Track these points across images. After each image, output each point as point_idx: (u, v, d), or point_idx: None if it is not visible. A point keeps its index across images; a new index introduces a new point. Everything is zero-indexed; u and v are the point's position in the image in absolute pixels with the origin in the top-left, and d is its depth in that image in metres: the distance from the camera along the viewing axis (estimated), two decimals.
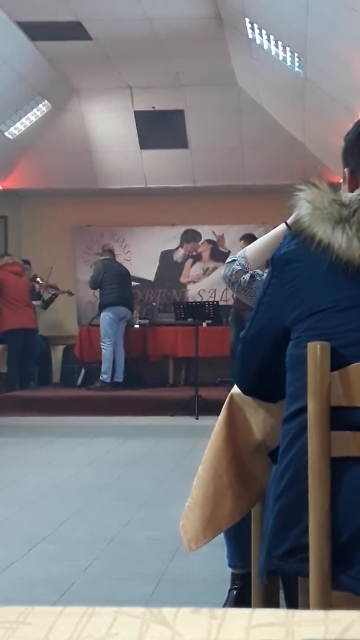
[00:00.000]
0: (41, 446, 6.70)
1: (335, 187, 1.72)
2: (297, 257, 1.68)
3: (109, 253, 10.09)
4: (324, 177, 1.75)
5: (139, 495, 4.69)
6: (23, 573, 3.22)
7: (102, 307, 9.58)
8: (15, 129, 9.91)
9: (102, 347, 9.48)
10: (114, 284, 9.71)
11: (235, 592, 2.50)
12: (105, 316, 9.50)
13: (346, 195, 1.70)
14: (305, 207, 1.68)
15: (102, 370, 9.48)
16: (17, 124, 9.86)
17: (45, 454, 6.38)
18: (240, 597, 2.47)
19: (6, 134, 9.83)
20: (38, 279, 10.56)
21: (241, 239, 9.60)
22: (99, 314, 9.72)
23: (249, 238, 9.42)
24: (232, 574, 2.52)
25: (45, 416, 8.54)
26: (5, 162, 10.50)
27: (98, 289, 9.79)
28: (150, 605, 0.76)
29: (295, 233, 1.69)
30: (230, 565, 2.49)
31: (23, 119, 9.85)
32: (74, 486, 5.02)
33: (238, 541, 2.35)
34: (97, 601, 2.80)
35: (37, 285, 10.54)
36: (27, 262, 10.71)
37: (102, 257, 9.97)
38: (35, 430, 7.72)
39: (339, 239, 1.61)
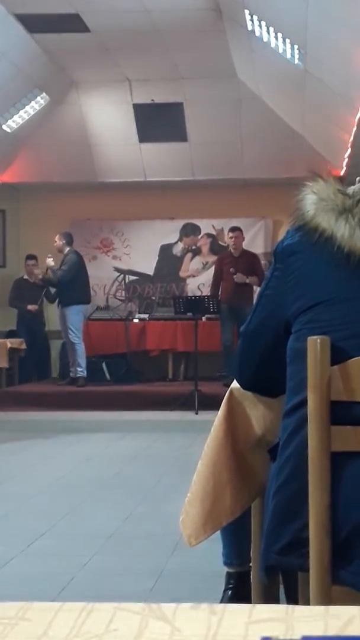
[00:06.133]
0: (40, 441, 6.71)
1: (340, 180, 1.72)
2: (300, 248, 1.68)
3: (68, 237, 9.59)
4: (329, 170, 1.74)
5: (139, 490, 4.69)
6: (22, 569, 3.22)
7: (71, 303, 9.30)
8: (14, 122, 9.89)
9: (75, 342, 9.31)
10: (85, 279, 9.59)
11: (230, 592, 2.47)
12: (77, 312, 9.36)
13: (352, 187, 1.70)
14: (311, 198, 1.67)
15: (83, 366, 9.41)
16: (15, 117, 9.83)
17: (44, 449, 6.39)
18: (235, 597, 2.44)
19: (4, 127, 9.81)
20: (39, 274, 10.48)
21: (230, 230, 9.62)
22: (61, 307, 9.41)
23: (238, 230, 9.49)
24: (228, 573, 2.49)
25: (44, 411, 8.54)
26: (3, 155, 10.48)
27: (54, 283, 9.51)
28: (149, 600, 0.75)
29: (300, 225, 1.68)
30: (225, 564, 2.46)
31: (21, 112, 9.83)
32: (73, 481, 5.02)
33: (235, 538, 2.34)
34: (96, 597, 2.79)
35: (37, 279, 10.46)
36: (33, 257, 10.61)
37: (68, 247, 9.52)
38: (33, 425, 7.71)
39: (341, 229, 1.61)
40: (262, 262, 9.66)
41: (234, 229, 9.54)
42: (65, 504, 4.34)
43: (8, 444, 6.45)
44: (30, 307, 10.43)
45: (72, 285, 9.31)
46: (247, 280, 9.20)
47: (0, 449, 6.29)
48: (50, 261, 9.40)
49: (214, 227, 11.32)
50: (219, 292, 9.33)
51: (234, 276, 9.23)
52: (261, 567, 1.65)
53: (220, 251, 10.84)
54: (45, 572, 3.15)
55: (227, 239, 9.83)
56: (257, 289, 9.65)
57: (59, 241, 9.53)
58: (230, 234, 9.54)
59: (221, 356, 9.28)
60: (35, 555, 3.41)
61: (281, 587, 2.06)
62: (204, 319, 9.41)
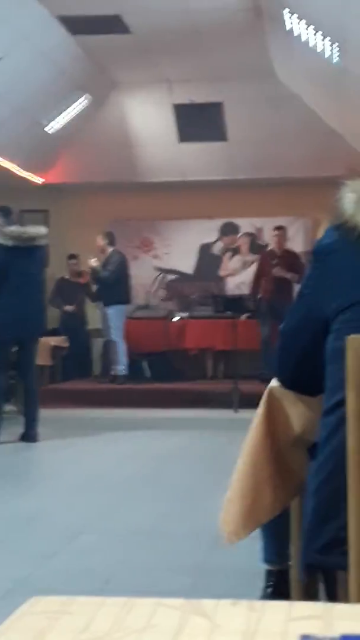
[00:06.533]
0: (81, 438, 6.75)
1: None
2: (339, 247, 1.67)
3: (110, 237, 9.71)
4: None
5: (179, 487, 4.70)
6: (65, 564, 3.25)
7: (113, 302, 9.40)
8: (56, 123, 9.97)
9: (116, 340, 9.39)
10: (127, 280, 9.66)
11: (269, 589, 2.47)
12: (118, 311, 9.44)
13: None
14: (350, 197, 1.67)
15: (124, 364, 9.48)
16: (58, 119, 9.91)
17: (86, 446, 6.43)
18: (275, 595, 2.44)
19: (47, 128, 9.90)
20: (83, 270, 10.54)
21: (275, 229, 9.66)
22: (103, 307, 9.55)
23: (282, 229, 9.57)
24: (267, 570, 2.49)
25: (86, 408, 8.60)
26: (46, 156, 10.57)
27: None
28: (189, 597, 0.76)
29: (339, 223, 1.68)
30: (265, 561, 2.46)
31: (63, 114, 9.91)
32: (114, 478, 5.05)
33: (275, 536, 2.34)
34: (137, 592, 2.81)
35: (83, 280, 10.54)
36: (75, 256, 10.73)
37: (111, 246, 9.63)
38: (75, 422, 7.77)
39: None
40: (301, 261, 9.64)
41: (278, 228, 9.58)
42: (106, 500, 4.37)
43: (50, 440, 6.50)
44: (66, 307, 10.50)
45: (115, 285, 9.40)
46: (288, 276, 9.18)
47: (43, 445, 6.35)
48: (93, 262, 9.48)
49: (253, 226, 11.29)
50: (260, 291, 9.34)
51: (274, 270, 9.22)
52: (301, 565, 1.65)
53: (259, 250, 10.81)
54: (88, 568, 3.18)
55: (271, 237, 9.86)
56: (297, 287, 9.64)
57: (101, 241, 9.64)
58: (275, 232, 9.56)
59: (260, 354, 9.28)
60: (78, 550, 3.44)
61: (321, 585, 2.05)
62: (243, 317, 9.39)
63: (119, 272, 9.44)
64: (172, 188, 11.06)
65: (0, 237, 6.19)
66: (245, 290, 10.60)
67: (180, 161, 10.75)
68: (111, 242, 9.67)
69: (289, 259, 9.38)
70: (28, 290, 6.29)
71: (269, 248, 9.88)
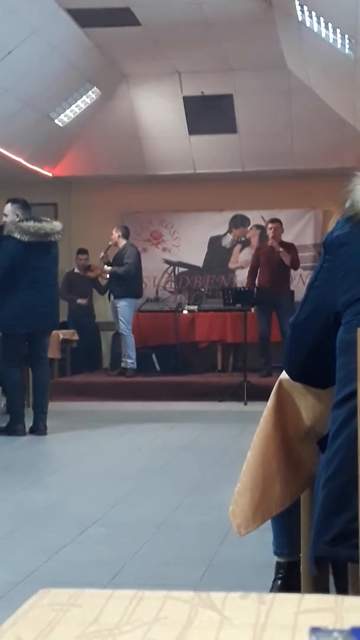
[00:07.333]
0: (91, 431, 6.77)
1: None
2: (350, 239, 1.67)
3: (124, 230, 9.74)
4: None
5: (188, 480, 4.71)
6: (74, 556, 3.26)
7: (124, 296, 9.42)
8: (65, 117, 9.96)
9: (125, 334, 9.42)
10: (140, 274, 9.67)
11: (279, 581, 2.47)
12: (128, 305, 9.45)
13: None
14: None
15: (133, 357, 9.50)
16: (67, 112, 9.91)
17: (95, 438, 6.45)
18: (285, 587, 2.44)
19: (56, 121, 9.89)
20: (92, 267, 10.56)
21: (270, 221, 9.66)
22: (113, 299, 9.59)
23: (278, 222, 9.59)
24: (277, 562, 2.49)
25: (95, 401, 8.62)
26: (55, 149, 10.57)
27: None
28: (199, 589, 0.76)
29: (350, 215, 1.67)
30: (275, 553, 2.46)
31: (73, 107, 9.90)
32: (123, 471, 5.07)
33: (285, 528, 2.33)
34: (146, 585, 2.82)
35: (91, 274, 10.55)
36: (85, 251, 10.72)
37: (124, 240, 9.64)
38: (85, 415, 7.79)
39: None
40: (312, 253, 9.67)
41: (273, 220, 9.64)
42: (116, 493, 4.38)
43: (60, 433, 6.52)
44: (79, 300, 10.53)
45: (129, 278, 9.41)
46: (280, 250, 9.24)
47: (52, 438, 6.37)
48: (106, 267, 9.54)
49: (263, 218, 11.26)
50: (256, 282, 9.45)
51: (269, 242, 9.32)
52: (310, 557, 1.65)
53: None
54: (97, 560, 3.19)
55: (267, 230, 9.87)
56: (293, 279, 9.74)
57: (115, 234, 9.65)
58: (270, 225, 9.61)
59: (259, 347, 9.31)
60: (87, 543, 3.45)
61: (331, 577, 2.05)
62: (252, 310, 9.39)
63: (136, 266, 9.47)
64: (182, 181, 11.05)
65: (17, 232, 6.18)
66: (255, 283, 10.59)
67: (190, 154, 10.74)
68: (125, 235, 9.69)
69: (285, 250, 9.43)
70: (42, 285, 6.31)
71: (267, 241, 9.88)
